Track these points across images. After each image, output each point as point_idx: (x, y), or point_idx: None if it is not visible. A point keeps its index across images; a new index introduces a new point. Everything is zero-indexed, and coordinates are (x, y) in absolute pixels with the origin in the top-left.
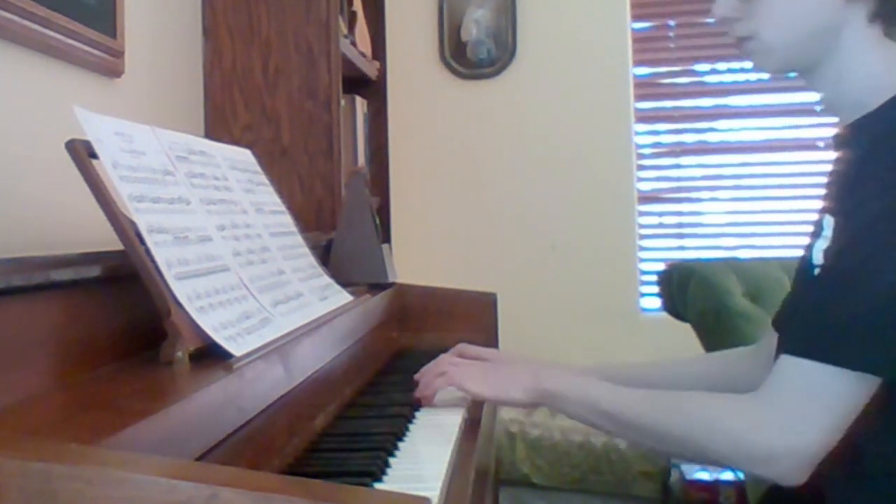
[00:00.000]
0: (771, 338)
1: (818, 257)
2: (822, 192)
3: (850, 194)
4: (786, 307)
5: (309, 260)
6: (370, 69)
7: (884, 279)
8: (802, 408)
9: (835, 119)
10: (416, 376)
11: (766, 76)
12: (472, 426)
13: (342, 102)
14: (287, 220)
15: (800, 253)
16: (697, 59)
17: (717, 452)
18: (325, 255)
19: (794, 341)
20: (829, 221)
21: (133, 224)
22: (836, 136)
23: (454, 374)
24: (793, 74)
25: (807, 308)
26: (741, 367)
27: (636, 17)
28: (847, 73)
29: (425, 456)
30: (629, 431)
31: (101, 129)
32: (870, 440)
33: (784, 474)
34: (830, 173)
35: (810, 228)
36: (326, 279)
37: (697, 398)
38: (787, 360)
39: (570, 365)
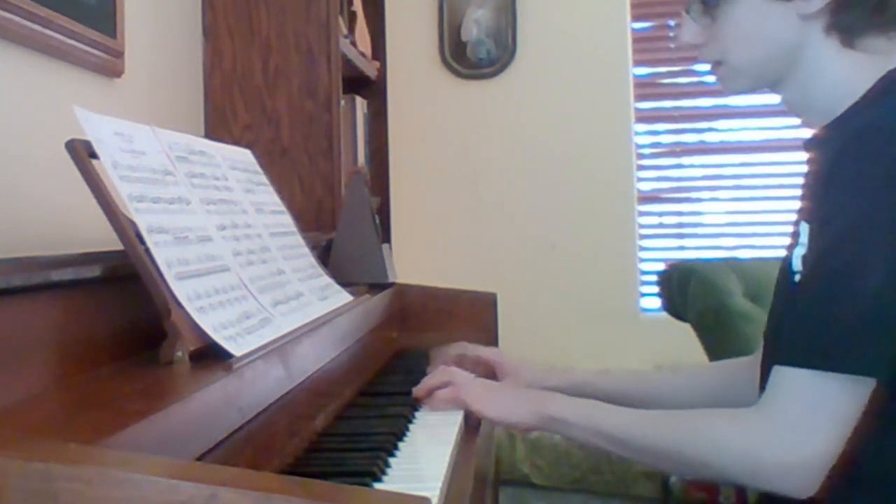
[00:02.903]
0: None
1: (797, 264)
2: (799, 196)
3: (822, 200)
4: (772, 318)
5: (309, 260)
6: (370, 69)
7: (868, 282)
8: (806, 419)
9: (799, 120)
10: (417, 390)
11: None
12: (472, 426)
13: (342, 102)
14: (287, 220)
15: None
16: (697, 59)
17: (729, 472)
18: (325, 255)
19: (786, 351)
20: (804, 228)
21: (133, 224)
22: (808, 140)
23: (461, 393)
24: None
25: (794, 316)
26: (743, 376)
27: (636, 17)
28: (812, 82)
29: (425, 456)
30: (637, 455)
31: (101, 129)
32: (866, 441)
33: (797, 488)
34: (805, 176)
35: (793, 230)
36: (326, 279)
37: (702, 418)
38: (783, 371)
39: (573, 370)
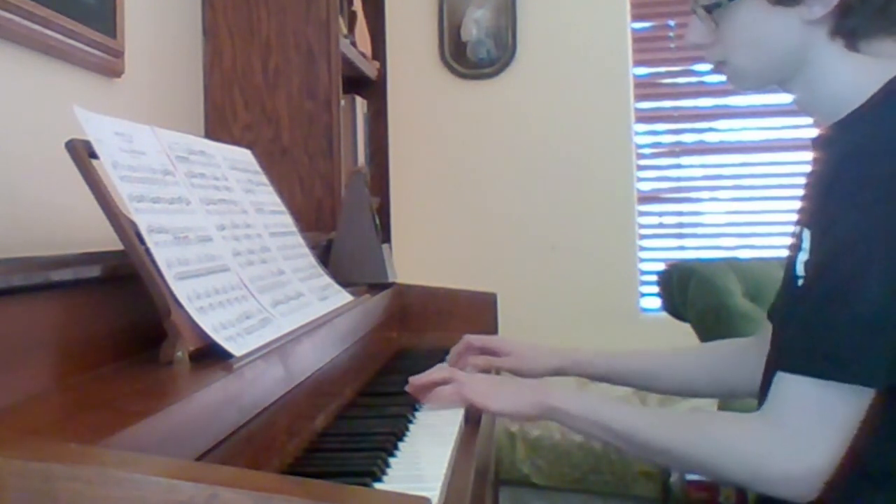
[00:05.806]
0: (769, 330)
1: (800, 269)
2: (801, 196)
3: (823, 209)
4: (779, 300)
5: (309, 260)
6: (370, 69)
7: (867, 292)
8: (810, 428)
9: (810, 119)
10: (412, 385)
11: None
12: (472, 426)
13: (342, 102)
14: (287, 220)
15: None
16: (697, 59)
17: (732, 475)
18: (325, 255)
19: (788, 357)
20: (806, 234)
21: (133, 224)
22: (814, 139)
23: (463, 389)
24: None
25: (796, 322)
26: (744, 356)
27: (636, 17)
28: (818, 83)
29: (425, 456)
30: (639, 450)
31: (101, 129)
32: (868, 443)
33: (798, 494)
34: (807, 177)
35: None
36: (326, 279)
37: (709, 420)
38: (787, 379)
39: (574, 349)
